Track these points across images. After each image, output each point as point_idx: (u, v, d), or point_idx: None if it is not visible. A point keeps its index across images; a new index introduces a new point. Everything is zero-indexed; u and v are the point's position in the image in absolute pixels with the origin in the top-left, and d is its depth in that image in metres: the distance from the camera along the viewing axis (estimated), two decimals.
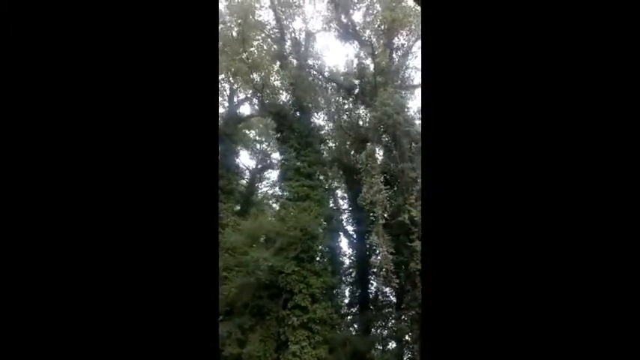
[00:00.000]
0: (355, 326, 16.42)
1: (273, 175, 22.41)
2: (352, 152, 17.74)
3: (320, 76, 18.09)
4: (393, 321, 15.27)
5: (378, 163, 14.11)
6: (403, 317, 14.36)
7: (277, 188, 18.60)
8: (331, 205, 17.88)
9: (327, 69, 18.08)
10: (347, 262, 17.59)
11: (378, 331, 15.78)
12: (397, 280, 12.80)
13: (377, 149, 14.55)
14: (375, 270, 16.14)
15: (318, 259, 15.10)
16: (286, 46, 17.77)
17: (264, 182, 22.85)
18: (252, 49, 17.34)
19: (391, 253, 12.55)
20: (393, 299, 15.65)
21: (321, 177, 17.03)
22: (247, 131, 22.27)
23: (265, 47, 17.93)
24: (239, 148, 20.57)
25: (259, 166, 22.40)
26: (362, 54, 16.55)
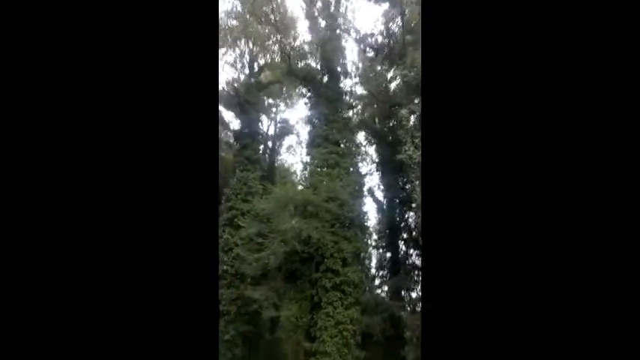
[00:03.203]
0: (385, 288, 16.86)
1: (293, 140, 22.32)
2: (382, 116, 17.32)
3: (349, 38, 17.38)
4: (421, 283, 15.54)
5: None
6: None
7: (303, 155, 18.51)
8: (360, 170, 17.79)
9: (354, 30, 17.31)
10: (377, 226, 17.74)
11: (408, 293, 16.14)
12: None
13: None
14: (405, 235, 16.25)
15: (348, 224, 15.29)
16: (315, 8, 17.01)
17: (285, 148, 22.86)
18: (279, 9, 16.74)
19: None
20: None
21: (349, 143, 16.83)
22: (270, 99, 21.95)
23: (292, 8, 17.28)
24: (261, 116, 20.39)
25: (279, 132, 22.30)
26: (391, 13, 15.70)
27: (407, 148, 12.88)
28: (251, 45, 18.94)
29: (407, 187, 13.70)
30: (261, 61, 20.06)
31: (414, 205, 13.00)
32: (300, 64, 17.51)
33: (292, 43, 17.49)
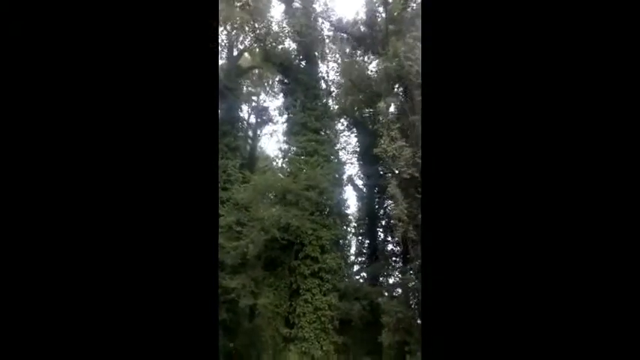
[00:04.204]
0: (364, 275, 17.15)
1: (272, 128, 22.06)
2: (362, 104, 17.34)
3: (327, 24, 17.19)
4: (399, 270, 15.91)
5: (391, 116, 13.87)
6: (409, 266, 14.93)
7: (282, 143, 18.29)
8: (340, 158, 17.85)
9: (335, 17, 17.12)
10: (356, 214, 17.93)
11: (386, 279, 16.49)
12: (409, 233, 13.12)
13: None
14: (383, 222, 16.49)
15: (327, 212, 15.38)
16: None
17: (264, 136, 22.60)
18: None
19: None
20: (399, 249, 16.16)
21: (329, 131, 16.80)
22: (252, 88, 21.54)
23: None
24: (241, 103, 19.97)
25: (258, 120, 21.98)
26: (374, 0, 15.59)
27: (382, 142, 12.95)
28: (229, 29, 18.43)
29: (387, 175, 13.87)
30: (241, 46, 19.59)
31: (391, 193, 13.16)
32: (278, 49, 17.21)
33: (268, 28, 17.13)
